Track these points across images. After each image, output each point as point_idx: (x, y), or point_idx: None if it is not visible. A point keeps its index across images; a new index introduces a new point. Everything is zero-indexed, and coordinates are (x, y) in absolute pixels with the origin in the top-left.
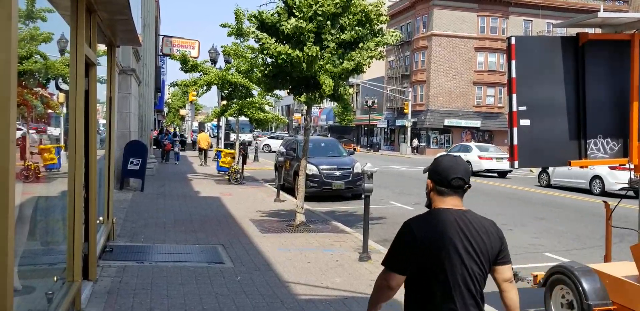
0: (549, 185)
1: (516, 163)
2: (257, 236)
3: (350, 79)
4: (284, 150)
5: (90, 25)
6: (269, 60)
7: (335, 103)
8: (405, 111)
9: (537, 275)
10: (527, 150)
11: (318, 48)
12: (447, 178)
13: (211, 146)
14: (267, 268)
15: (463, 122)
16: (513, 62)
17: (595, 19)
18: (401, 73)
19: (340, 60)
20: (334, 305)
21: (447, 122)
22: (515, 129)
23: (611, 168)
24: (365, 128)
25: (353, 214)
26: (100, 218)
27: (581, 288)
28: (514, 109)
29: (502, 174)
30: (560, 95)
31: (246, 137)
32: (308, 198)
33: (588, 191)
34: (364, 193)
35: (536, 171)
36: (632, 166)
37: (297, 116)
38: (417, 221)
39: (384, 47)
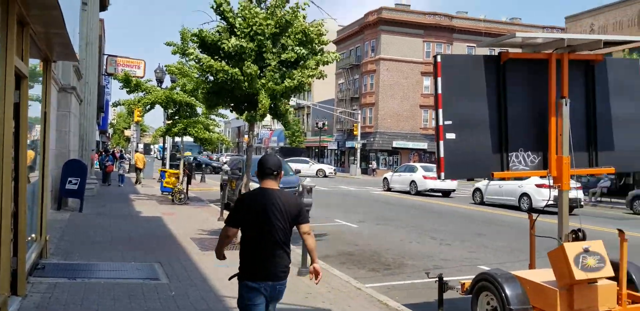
0: (482, 202)
1: (442, 175)
2: (197, 253)
3: (301, 101)
4: (229, 169)
5: (22, 38)
6: (210, 77)
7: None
8: (354, 132)
9: (464, 283)
10: (452, 162)
11: (257, 67)
12: (262, 168)
13: (144, 166)
14: (204, 283)
15: (410, 144)
16: (439, 80)
17: (515, 39)
18: (351, 96)
19: (282, 78)
20: None
21: (395, 144)
22: (441, 143)
23: (537, 185)
24: (316, 150)
25: (297, 232)
26: (33, 235)
27: (504, 294)
28: (440, 123)
29: (446, 193)
30: (483, 110)
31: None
32: None
33: (517, 208)
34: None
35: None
36: (551, 178)
37: (246, 137)
38: (248, 194)
39: (324, 66)
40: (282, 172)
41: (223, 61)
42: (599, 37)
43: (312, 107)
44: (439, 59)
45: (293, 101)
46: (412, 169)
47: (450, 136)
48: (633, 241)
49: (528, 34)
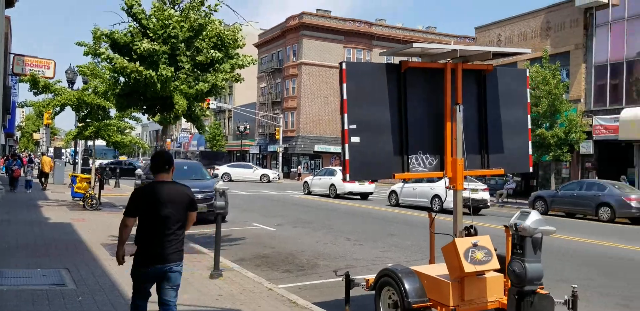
0: (397, 204)
1: (348, 176)
2: (107, 259)
3: (222, 105)
4: (143, 173)
5: None
6: (122, 78)
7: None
8: (276, 136)
9: (368, 280)
10: (357, 164)
11: (173, 69)
12: (156, 163)
13: (51, 169)
14: (112, 288)
15: (332, 148)
16: (344, 85)
17: (414, 49)
18: (273, 99)
19: (196, 81)
20: None
21: (317, 147)
22: (346, 146)
23: (448, 187)
24: (238, 154)
25: (213, 237)
26: None
27: (403, 288)
28: (346, 127)
29: (364, 196)
30: (385, 115)
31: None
32: None
33: (430, 209)
34: (215, 210)
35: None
36: (447, 179)
37: (169, 141)
38: (144, 187)
39: (240, 69)
40: (174, 166)
41: (137, 62)
42: (487, 48)
43: (233, 110)
44: (344, 66)
45: (213, 104)
46: (332, 173)
47: (355, 139)
48: None
49: (425, 45)
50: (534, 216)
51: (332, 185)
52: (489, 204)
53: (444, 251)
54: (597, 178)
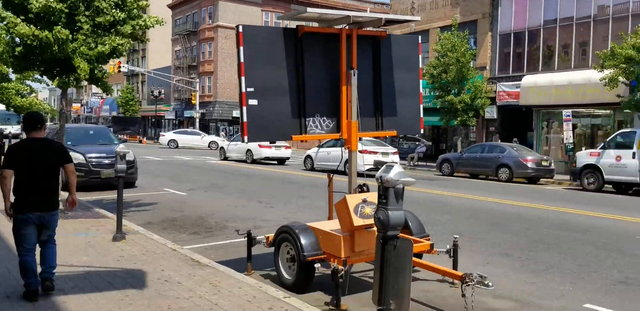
0: (312, 169)
1: (246, 138)
2: (4, 225)
3: (135, 68)
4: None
5: None
6: (17, 39)
7: (118, 93)
8: (193, 102)
9: (268, 237)
10: (255, 126)
11: (68, 31)
12: (27, 122)
13: None
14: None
15: None
16: (241, 49)
17: (311, 14)
18: (188, 63)
19: (96, 43)
20: (74, 279)
21: (235, 113)
22: (244, 108)
23: (361, 151)
24: (153, 119)
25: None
26: None
27: (299, 243)
28: (243, 90)
29: (281, 161)
30: (283, 79)
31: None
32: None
33: (343, 172)
34: (116, 174)
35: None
36: (343, 140)
37: (75, 106)
38: (18, 143)
39: (145, 30)
40: (46, 124)
41: (32, 25)
42: (379, 15)
43: (147, 74)
44: (240, 29)
45: (125, 67)
46: None
47: (253, 102)
48: (430, 196)
49: (320, 10)
50: (396, 169)
51: (249, 150)
52: None
53: (337, 207)
54: (499, 141)
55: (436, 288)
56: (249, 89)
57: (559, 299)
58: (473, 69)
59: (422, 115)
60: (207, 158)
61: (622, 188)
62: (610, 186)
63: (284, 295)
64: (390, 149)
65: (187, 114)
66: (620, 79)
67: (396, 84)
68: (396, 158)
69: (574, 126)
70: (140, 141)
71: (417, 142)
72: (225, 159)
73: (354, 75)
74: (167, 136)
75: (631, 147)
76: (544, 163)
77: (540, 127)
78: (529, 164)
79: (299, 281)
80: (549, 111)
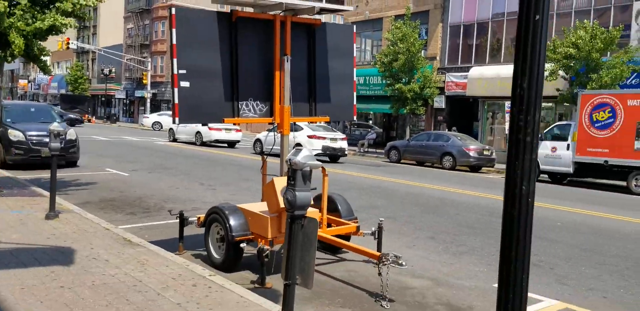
0: (262, 152)
1: (177, 119)
2: None
3: (85, 45)
4: None
5: None
6: None
7: (67, 70)
8: (144, 81)
9: (199, 217)
10: (187, 108)
11: (6, 4)
12: None
13: None
14: None
15: None
16: (174, 31)
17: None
18: (141, 42)
19: (34, 19)
20: (0, 256)
21: None
22: (176, 90)
23: (309, 136)
24: (103, 98)
25: (61, 180)
26: None
27: (228, 224)
28: (175, 72)
29: (231, 144)
30: (216, 62)
31: None
32: (14, 166)
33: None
34: (50, 152)
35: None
36: (276, 124)
37: (22, 82)
38: None
39: (85, 8)
40: None
41: None
42: (313, 4)
43: (97, 52)
44: (173, 11)
45: (74, 44)
46: None
47: (185, 84)
48: (375, 182)
49: None
50: (304, 153)
51: (198, 132)
52: (346, 153)
53: (265, 189)
54: (447, 130)
55: (361, 269)
56: (180, 71)
57: (472, 279)
58: (423, 58)
59: (355, 102)
60: (155, 139)
61: (558, 178)
62: (547, 176)
63: (209, 273)
64: (339, 135)
65: (138, 93)
66: (560, 73)
67: (330, 71)
68: (344, 143)
69: None
70: (89, 120)
71: (368, 129)
72: (174, 140)
73: (287, 61)
74: (151, 118)
75: (566, 139)
76: (485, 152)
77: (485, 117)
78: (472, 153)
79: (228, 261)
80: (494, 102)
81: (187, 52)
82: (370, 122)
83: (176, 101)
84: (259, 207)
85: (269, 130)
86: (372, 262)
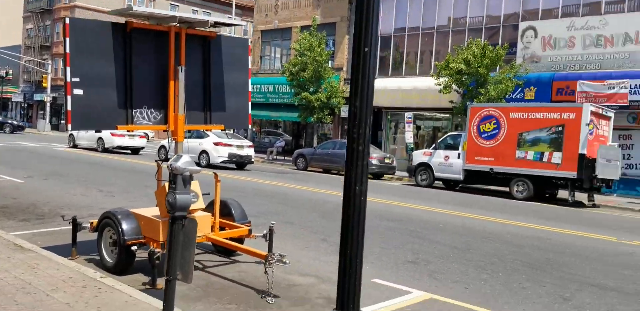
0: (167, 159)
1: (69, 126)
2: None
3: None
4: None
5: None
6: None
7: None
8: (44, 84)
9: (92, 222)
10: (79, 115)
11: None
12: None
13: None
14: None
15: None
16: (67, 40)
17: (141, 11)
18: (41, 43)
19: None
20: None
21: None
22: (69, 97)
23: (215, 144)
24: None
25: None
26: None
27: (120, 228)
28: (69, 79)
29: (135, 150)
30: (110, 71)
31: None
32: None
33: (197, 164)
34: None
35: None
36: (170, 131)
37: None
38: None
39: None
40: None
41: None
42: (207, 18)
43: None
44: (67, 21)
45: None
46: None
47: (78, 91)
48: (279, 189)
49: (147, 9)
50: (184, 159)
51: (100, 138)
52: (253, 160)
53: (157, 194)
54: None
55: (252, 269)
56: (74, 79)
57: None
58: (330, 69)
59: (250, 111)
60: (55, 145)
61: (451, 185)
62: (441, 182)
63: (101, 275)
64: (246, 142)
65: (37, 97)
66: (454, 86)
67: (225, 82)
68: (251, 151)
69: (419, 128)
70: None
71: (277, 137)
72: (75, 146)
73: (182, 71)
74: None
75: (457, 149)
76: (387, 160)
77: (388, 127)
78: (374, 161)
79: (120, 264)
80: (396, 113)
81: (80, 61)
82: (280, 130)
83: (69, 108)
84: (152, 212)
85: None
86: (263, 263)
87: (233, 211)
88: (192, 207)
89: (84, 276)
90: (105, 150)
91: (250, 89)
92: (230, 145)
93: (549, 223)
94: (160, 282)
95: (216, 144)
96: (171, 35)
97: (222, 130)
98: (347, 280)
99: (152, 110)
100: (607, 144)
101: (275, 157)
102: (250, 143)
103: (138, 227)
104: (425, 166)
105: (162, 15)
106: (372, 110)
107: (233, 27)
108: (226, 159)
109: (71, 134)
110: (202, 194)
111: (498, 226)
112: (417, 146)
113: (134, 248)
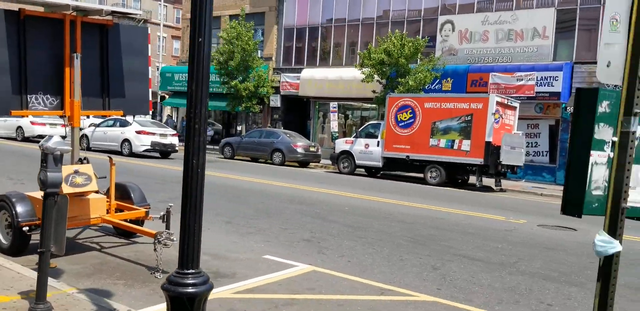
0: (89, 148)
1: None
2: None
3: None
4: None
5: None
6: None
7: None
8: None
9: None
10: None
11: None
12: None
13: None
14: None
15: None
16: None
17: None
18: None
19: None
20: None
21: None
22: None
23: (137, 132)
24: None
25: None
26: None
27: (14, 211)
28: None
29: None
30: (3, 57)
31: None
32: None
33: (120, 153)
34: None
35: None
36: (67, 117)
37: None
38: None
39: None
40: None
41: None
42: (102, 7)
43: None
44: None
45: None
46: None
47: None
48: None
49: None
50: (55, 139)
51: (19, 127)
52: (177, 148)
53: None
54: (282, 127)
55: (149, 249)
56: None
57: (247, 253)
58: (258, 58)
59: (150, 98)
60: None
61: (372, 172)
62: (363, 170)
63: None
64: (170, 131)
65: None
66: (375, 77)
67: (124, 69)
68: (175, 139)
69: (347, 117)
70: None
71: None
72: None
73: (77, 58)
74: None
75: (377, 137)
76: (312, 149)
77: (316, 116)
78: (299, 150)
79: (15, 246)
80: (324, 103)
81: None
82: (211, 119)
83: None
84: None
85: (96, 125)
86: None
87: (132, 194)
88: (85, 189)
89: None
90: (25, 139)
91: (150, 76)
92: (153, 134)
93: (450, 205)
94: (55, 262)
95: (138, 132)
96: (66, 23)
97: (121, 116)
98: (186, 241)
99: (49, 96)
100: (512, 133)
101: None
102: (174, 132)
103: (33, 209)
104: (347, 154)
105: (56, 3)
106: (207, 92)
107: (164, 15)
108: (149, 147)
109: None
110: (99, 178)
111: (400, 208)
112: (345, 135)
113: (25, 228)
